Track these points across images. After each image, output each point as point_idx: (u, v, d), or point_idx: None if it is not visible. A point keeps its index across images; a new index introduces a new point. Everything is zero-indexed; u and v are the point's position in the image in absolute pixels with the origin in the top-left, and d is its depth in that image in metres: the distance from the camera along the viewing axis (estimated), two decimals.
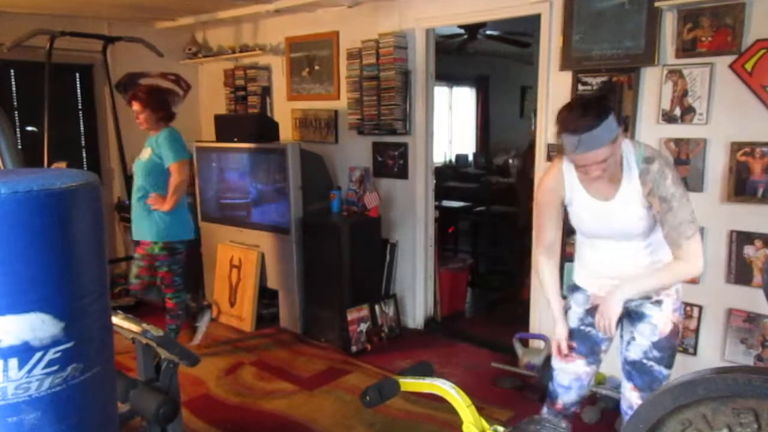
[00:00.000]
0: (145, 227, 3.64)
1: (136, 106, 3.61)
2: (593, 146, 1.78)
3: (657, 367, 2.05)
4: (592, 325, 2.21)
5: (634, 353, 2.09)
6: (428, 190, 4.27)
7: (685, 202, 1.88)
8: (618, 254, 2.06)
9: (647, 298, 2.05)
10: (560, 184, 2.06)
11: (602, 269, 2.11)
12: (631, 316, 2.10)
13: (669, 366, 2.06)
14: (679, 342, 2.10)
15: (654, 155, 1.93)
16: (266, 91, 5.11)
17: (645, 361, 2.07)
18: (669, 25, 3.00)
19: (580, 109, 1.81)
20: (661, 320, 2.04)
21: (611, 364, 3.38)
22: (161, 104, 3.68)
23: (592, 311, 2.20)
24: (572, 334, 2.26)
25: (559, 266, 2.21)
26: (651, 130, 3.11)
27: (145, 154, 3.68)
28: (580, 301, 2.21)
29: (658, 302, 2.04)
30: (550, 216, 2.12)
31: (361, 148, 4.47)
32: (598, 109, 1.80)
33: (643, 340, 2.07)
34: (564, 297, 2.25)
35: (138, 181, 3.68)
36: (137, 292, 3.90)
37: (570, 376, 2.26)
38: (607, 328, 1.99)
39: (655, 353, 2.05)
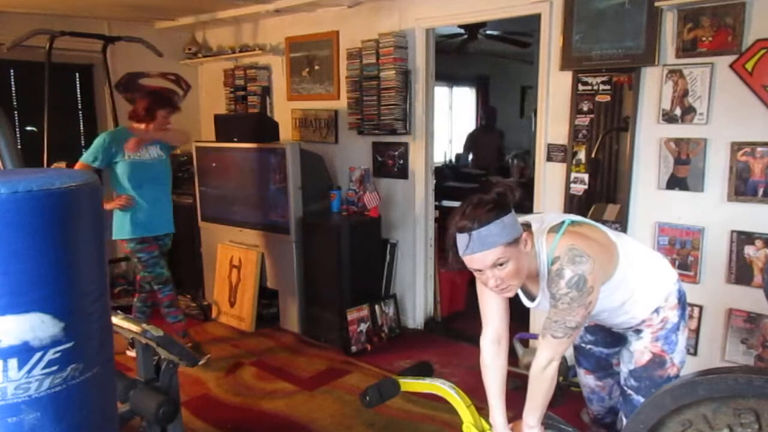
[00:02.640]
0: (171, 219, 3.84)
1: (172, 113, 3.73)
2: (484, 246, 1.57)
3: (635, 397, 1.96)
4: (592, 342, 2.20)
5: (620, 377, 2.06)
6: (428, 190, 4.27)
7: (575, 308, 1.66)
8: None
9: (628, 326, 1.98)
10: None
11: None
12: (623, 337, 2.05)
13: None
14: (665, 374, 1.92)
15: (560, 254, 1.69)
16: (266, 91, 5.10)
17: (625, 387, 2.02)
18: (669, 24, 2.99)
19: (472, 206, 1.62)
20: (638, 348, 1.95)
21: None
22: None
23: (589, 328, 2.19)
24: (576, 350, 2.26)
25: (506, 365, 1.98)
26: (651, 130, 3.11)
27: (154, 152, 3.71)
28: None
29: (638, 331, 1.96)
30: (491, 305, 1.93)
31: (361, 148, 4.47)
32: (492, 205, 1.60)
33: (622, 366, 2.03)
34: None
35: (156, 178, 3.71)
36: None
37: (585, 390, 2.27)
38: None
39: (632, 382, 1.97)
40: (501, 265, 1.61)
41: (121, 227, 3.62)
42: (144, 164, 3.65)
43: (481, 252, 1.58)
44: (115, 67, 5.08)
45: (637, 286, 1.90)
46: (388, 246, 4.38)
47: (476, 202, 1.62)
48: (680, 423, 1.18)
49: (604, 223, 3.27)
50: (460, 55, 7.08)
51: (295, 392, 3.41)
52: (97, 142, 3.62)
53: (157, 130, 3.65)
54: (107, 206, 3.53)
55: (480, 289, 1.90)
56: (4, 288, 1.14)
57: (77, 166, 3.60)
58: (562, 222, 1.78)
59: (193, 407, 3.22)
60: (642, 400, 1.94)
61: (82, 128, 5.27)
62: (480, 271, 1.64)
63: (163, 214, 3.76)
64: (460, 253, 1.61)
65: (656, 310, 1.93)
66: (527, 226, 1.76)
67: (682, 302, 1.98)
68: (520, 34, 6.42)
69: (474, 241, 1.57)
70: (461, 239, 1.59)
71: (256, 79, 5.08)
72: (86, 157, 3.61)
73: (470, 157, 8.13)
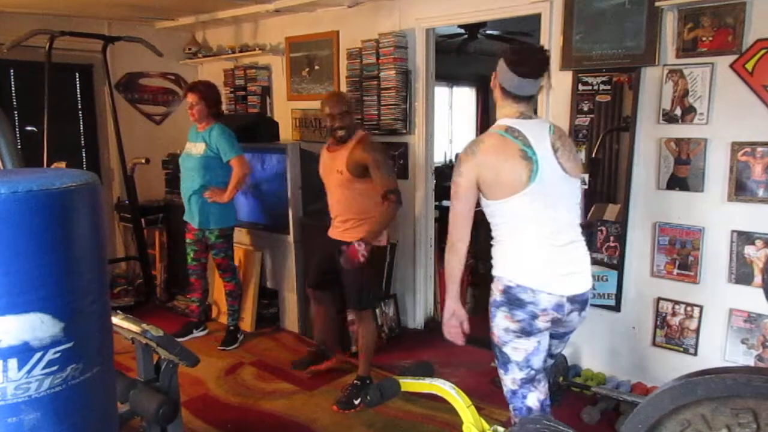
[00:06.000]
0: (203, 216, 3.88)
1: (192, 97, 3.79)
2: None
3: None
4: None
5: None
6: (428, 190, 4.27)
7: (454, 179, 2.09)
8: None
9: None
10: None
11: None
12: None
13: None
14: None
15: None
16: (266, 91, 5.10)
17: None
18: (669, 24, 2.99)
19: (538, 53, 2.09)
20: None
21: (610, 364, 3.39)
22: (216, 100, 3.92)
23: None
24: None
25: None
26: (651, 130, 3.11)
27: (198, 148, 3.85)
28: None
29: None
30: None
31: None
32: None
33: None
34: None
35: (189, 173, 3.87)
36: (197, 271, 4.15)
37: None
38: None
39: None
40: None
41: None
42: (183, 157, 3.95)
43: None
44: (115, 67, 5.09)
45: (496, 234, 2.11)
46: (388, 246, 4.37)
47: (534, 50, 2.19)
48: (679, 423, 1.18)
49: (604, 223, 3.29)
50: (460, 55, 7.07)
51: (295, 392, 3.41)
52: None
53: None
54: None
55: (463, 212, 2.12)
56: (4, 288, 1.14)
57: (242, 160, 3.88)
58: (505, 126, 2.04)
59: (193, 407, 3.22)
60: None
61: (82, 128, 5.27)
62: None
63: (192, 208, 3.91)
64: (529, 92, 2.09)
65: (495, 275, 2.11)
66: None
67: (507, 296, 2.04)
68: (520, 34, 6.41)
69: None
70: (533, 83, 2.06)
71: (256, 79, 5.08)
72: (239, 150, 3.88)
73: None
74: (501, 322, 2.06)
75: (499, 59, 2.04)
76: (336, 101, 3.15)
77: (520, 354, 2.06)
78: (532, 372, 2.08)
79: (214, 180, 3.85)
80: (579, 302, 2.06)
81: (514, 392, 2.11)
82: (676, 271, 3.07)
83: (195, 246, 4.04)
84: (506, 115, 2.06)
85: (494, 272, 2.10)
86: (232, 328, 4.15)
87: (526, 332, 2.03)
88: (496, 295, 2.07)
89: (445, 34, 6.11)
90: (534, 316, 2.01)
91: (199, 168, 3.82)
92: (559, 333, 2.18)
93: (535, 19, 3.48)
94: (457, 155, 2.08)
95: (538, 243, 2.02)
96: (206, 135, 3.82)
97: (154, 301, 4.99)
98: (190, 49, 5.41)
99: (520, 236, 2.04)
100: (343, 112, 3.12)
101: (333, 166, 3.18)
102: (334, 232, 3.30)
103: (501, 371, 2.14)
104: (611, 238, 3.26)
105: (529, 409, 2.10)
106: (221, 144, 3.79)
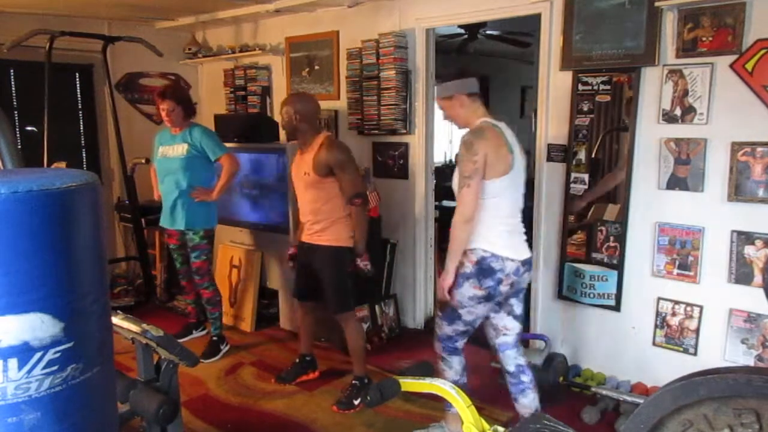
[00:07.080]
0: (189, 216, 3.78)
1: (169, 104, 3.69)
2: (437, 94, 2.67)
3: None
4: None
5: None
6: (428, 190, 4.27)
7: (463, 162, 2.43)
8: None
9: None
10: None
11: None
12: None
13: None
14: (454, 297, 2.54)
15: (472, 129, 2.53)
16: (266, 91, 5.10)
17: None
18: (669, 24, 2.99)
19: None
20: None
21: (610, 364, 3.38)
22: (189, 100, 3.86)
23: None
24: None
25: None
26: (651, 129, 3.11)
27: (177, 150, 3.76)
28: None
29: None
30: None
31: (361, 148, 4.46)
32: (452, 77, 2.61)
33: None
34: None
35: (172, 176, 3.77)
36: (188, 275, 4.01)
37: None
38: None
39: None
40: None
41: None
42: (160, 161, 3.86)
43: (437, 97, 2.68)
44: (115, 67, 5.08)
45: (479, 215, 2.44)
46: (388, 246, 4.38)
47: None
48: (681, 423, 1.18)
49: (604, 223, 3.29)
50: (460, 55, 7.07)
51: (295, 392, 3.41)
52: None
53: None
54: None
55: (477, 189, 2.44)
56: (4, 288, 1.14)
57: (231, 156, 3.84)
58: (492, 123, 2.51)
59: (193, 407, 3.22)
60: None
61: (82, 128, 5.27)
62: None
63: (175, 210, 3.80)
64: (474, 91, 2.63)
65: (468, 249, 2.47)
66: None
67: (480, 267, 2.46)
68: (520, 34, 6.42)
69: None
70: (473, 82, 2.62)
71: (256, 79, 5.08)
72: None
73: None
74: (468, 291, 2.49)
75: (448, 96, 2.59)
76: (284, 102, 3.24)
77: (471, 316, 2.57)
78: (471, 329, 2.63)
79: (198, 180, 3.78)
80: (527, 263, 2.57)
81: (450, 337, 2.65)
82: (676, 271, 3.08)
83: (181, 250, 3.93)
84: (483, 115, 2.55)
85: (467, 245, 2.48)
86: (215, 338, 3.95)
87: (489, 297, 2.50)
88: (467, 266, 2.48)
89: (445, 34, 6.11)
90: (499, 282, 2.46)
91: (183, 168, 3.72)
92: (513, 292, 2.59)
93: (535, 19, 3.48)
94: (457, 155, 2.29)
95: (505, 219, 2.49)
96: (186, 136, 3.74)
97: (154, 301, 4.99)
98: (190, 49, 5.40)
99: (495, 213, 2.46)
100: (282, 111, 3.17)
101: (301, 168, 3.19)
102: (306, 236, 3.25)
103: (444, 322, 2.63)
104: (611, 238, 3.26)
105: (456, 349, 2.68)
106: (207, 143, 3.74)
